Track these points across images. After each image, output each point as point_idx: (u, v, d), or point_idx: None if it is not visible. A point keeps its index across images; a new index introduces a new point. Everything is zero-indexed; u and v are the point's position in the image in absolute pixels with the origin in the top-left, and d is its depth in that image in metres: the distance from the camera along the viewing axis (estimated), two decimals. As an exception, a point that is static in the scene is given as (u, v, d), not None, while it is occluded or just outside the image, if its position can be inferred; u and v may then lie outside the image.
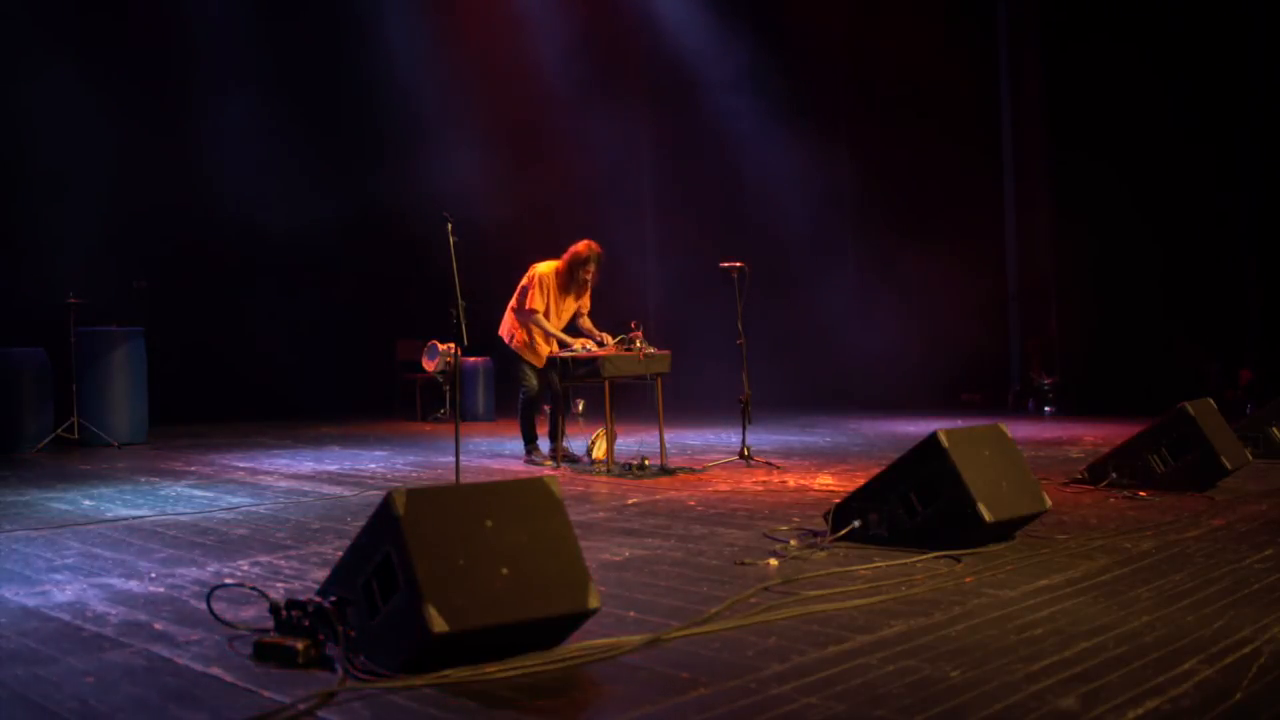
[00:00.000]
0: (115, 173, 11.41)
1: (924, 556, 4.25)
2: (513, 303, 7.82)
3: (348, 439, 10.07)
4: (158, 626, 3.43)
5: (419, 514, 2.92)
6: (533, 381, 7.75)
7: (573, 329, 7.82)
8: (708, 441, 9.36)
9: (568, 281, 7.68)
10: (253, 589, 3.77)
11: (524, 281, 7.75)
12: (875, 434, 9.94)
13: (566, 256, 7.66)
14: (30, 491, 6.67)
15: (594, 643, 3.10)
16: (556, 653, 3.03)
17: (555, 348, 7.58)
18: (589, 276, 7.66)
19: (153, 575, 4.21)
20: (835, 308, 14.46)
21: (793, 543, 4.63)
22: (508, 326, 7.86)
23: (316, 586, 3.35)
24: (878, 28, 13.98)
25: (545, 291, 7.63)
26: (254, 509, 5.89)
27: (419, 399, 12.38)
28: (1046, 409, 12.46)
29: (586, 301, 7.91)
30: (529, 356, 7.74)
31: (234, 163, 12.04)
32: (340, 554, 3.32)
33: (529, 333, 7.72)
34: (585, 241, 7.65)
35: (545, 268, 7.70)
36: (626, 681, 2.84)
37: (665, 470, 7.25)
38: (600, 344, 7.52)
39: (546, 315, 7.62)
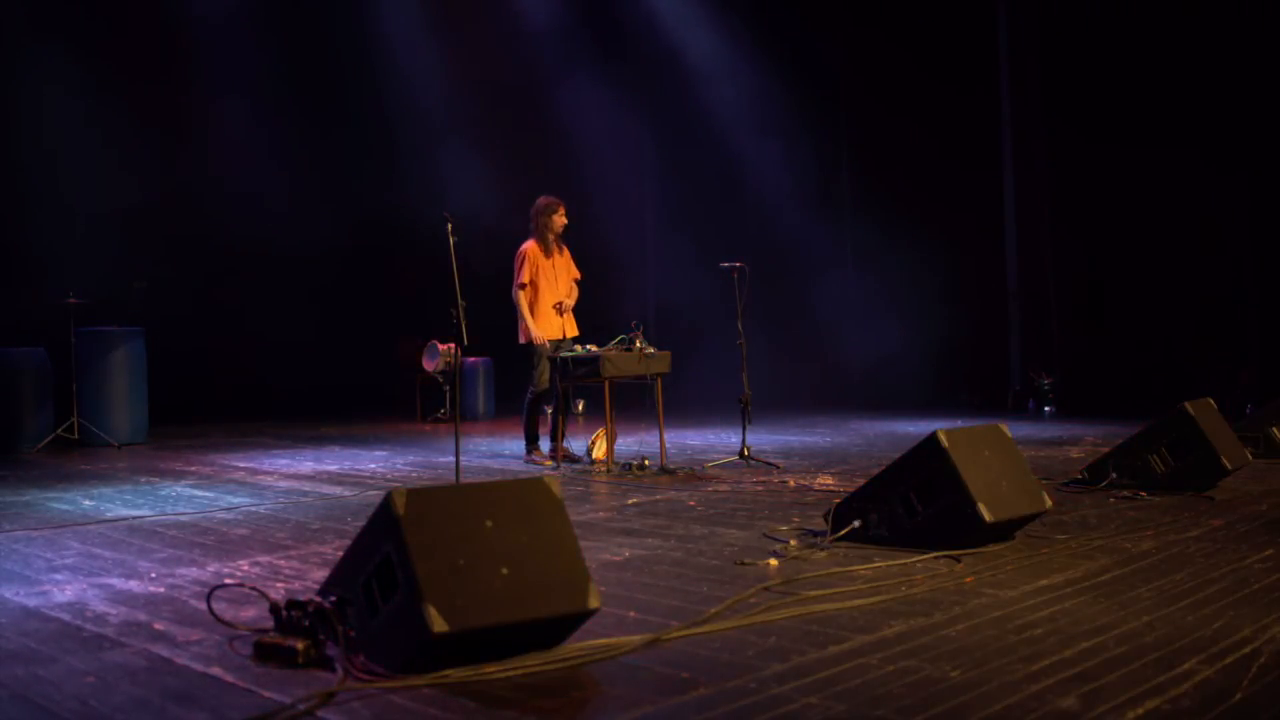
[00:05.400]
0: (116, 172, 11.41)
1: (924, 556, 4.25)
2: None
3: (348, 439, 10.06)
4: (158, 626, 3.43)
5: (419, 514, 2.92)
6: (544, 379, 7.74)
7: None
8: (708, 441, 9.35)
9: (546, 239, 7.78)
10: (253, 589, 3.77)
11: (515, 267, 7.85)
12: (875, 434, 9.94)
13: (534, 216, 7.80)
14: (30, 491, 6.67)
15: (594, 643, 3.10)
16: (556, 653, 3.03)
17: (532, 327, 7.67)
18: (561, 224, 7.77)
19: (153, 575, 4.21)
20: (835, 308, 14.46)
21: (793, 543, 4.63)
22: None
23: (316, 586, 3.36)
24: (878, 26, 13.99)
25: (531, 263, 7.73)
26: (254, 509, 5.89)
27: (419, 399, 12.38)
28: (1046, 409, 12.46)
29: (574, 268, 7.97)
30: (532, 334, 7.72)
31: (234, 163, 12.04)
32: (340, 554, 3.33)
33: (523, 311, 7.75)
34: (541, 197, 7.82)
35: (526, 244, 7.82)
36: (626, 681, 2.84)
37: (665, 470, 7.25)
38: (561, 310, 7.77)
39: (537, 286, 7.70)
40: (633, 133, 15.31)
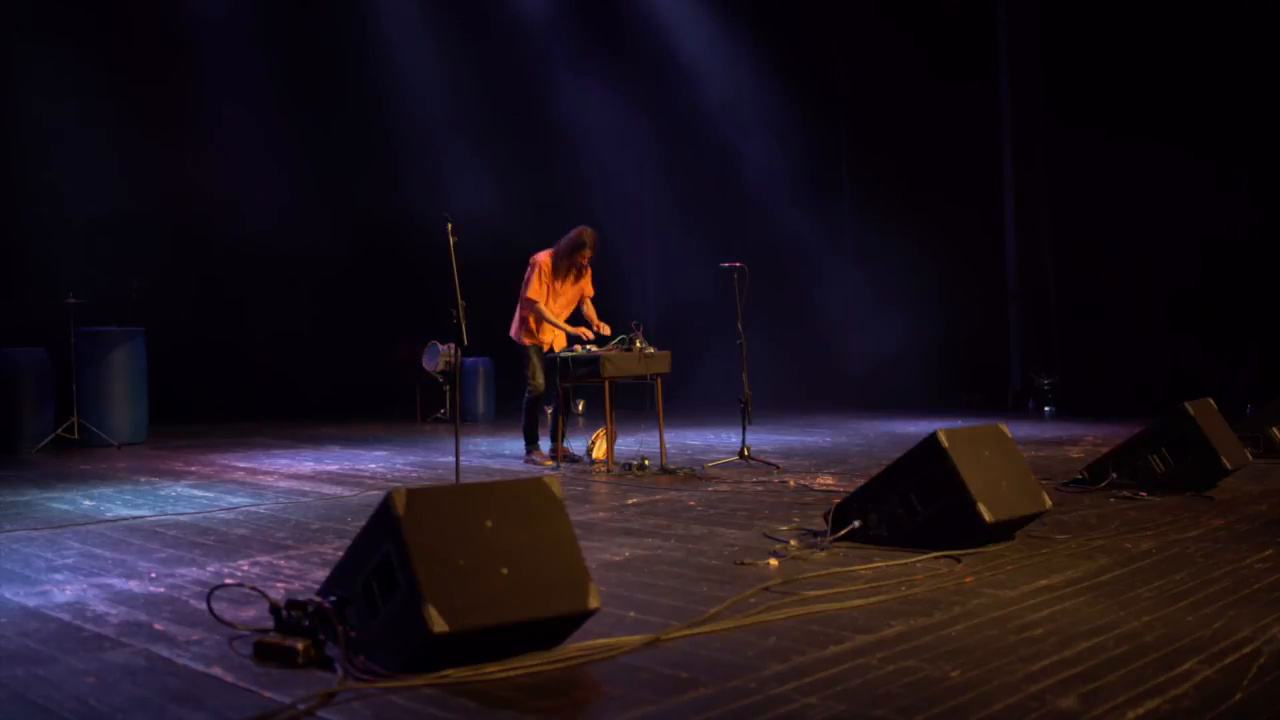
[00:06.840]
0: (115, 173, 11.40)
1: (924, 556, 4.25)
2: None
3: (348, 439, 10.06)
4: (158, 626, 3.43)
5: (419, 514, 2.92)
6: (539, 380, 7.74)
7: (577, 316, 7.90)
8: (708, 441, 9.35)
9: (564, 266, 7.74)
10: (253, 589, 3.77)
11: (526, 273, 7.80)
12: (875, 434, 9.94)
13: (564, 242, 7.74)
14: (30, 491, 6.67)
15: (594, 643, 3.10)
16: (556, 653, 3.02)
17: (557, 336, 7.66)
18: (585, 261, 7.75)
19: (153, 575, 4.21)
20: (835, 307, 14.46)
21: (793, 543, 4.62)
22: (515, 323, 7.87)
23: (316, 586, 3.35)
24: (878, 23, 13.99)
25: (543, 278, 7.71)
26: (254, 509, 5.89)
27: (419, 399, 12.37)
28: (1046, 409, 12.45)
29: (589, 285, 7.96)
30: (530, 342, 7.73)
31: (234, 163, 12.04)
32: (340, 554, 3.33)
33: (532, 321, 7.74)
34: (582, 227, 7.76)
35: (542, 255, 7.79)
36: (626, 681, 2.84)
37: (665, 470, 7.25)
38: (597, 334, 7.62)
39: (545, 301, 7.69)
40: (632, 131, 15.31)
